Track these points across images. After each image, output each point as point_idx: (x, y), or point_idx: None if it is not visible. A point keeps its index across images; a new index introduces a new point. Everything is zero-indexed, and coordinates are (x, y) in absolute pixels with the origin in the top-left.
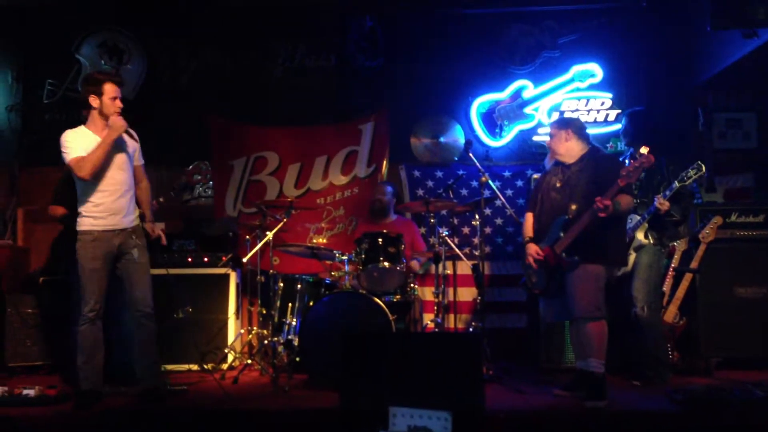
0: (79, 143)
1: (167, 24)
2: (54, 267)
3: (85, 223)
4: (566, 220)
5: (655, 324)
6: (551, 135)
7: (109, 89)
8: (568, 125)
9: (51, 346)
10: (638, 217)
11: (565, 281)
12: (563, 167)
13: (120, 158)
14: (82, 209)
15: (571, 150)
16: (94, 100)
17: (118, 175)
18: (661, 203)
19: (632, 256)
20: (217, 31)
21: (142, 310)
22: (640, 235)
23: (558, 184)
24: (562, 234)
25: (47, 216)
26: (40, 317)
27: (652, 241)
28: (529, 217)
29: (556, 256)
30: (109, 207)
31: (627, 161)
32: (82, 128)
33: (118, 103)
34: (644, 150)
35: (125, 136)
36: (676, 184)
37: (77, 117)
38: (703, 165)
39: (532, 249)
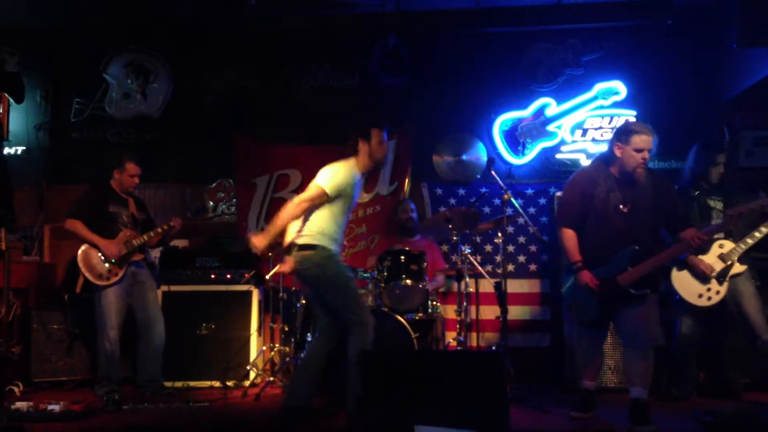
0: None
1: (193, 45)
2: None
3: None
4: (635, 251)
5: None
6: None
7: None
8: (617, 136)
9: (76, 362)
10: (732, 244)
11: (625, 311)
12: (620, 185)
13: None
14: None
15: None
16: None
17: None
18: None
19: (724, 286)
20: (242, 52)
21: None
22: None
23: (624, 209)
24: (629, 267)
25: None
26: (66, 333)
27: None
28: (572, 237)
29: (617, 288)
30: None
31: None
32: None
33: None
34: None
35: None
36: (764, 229)
37: (104, 135)
38: None
39: (587, 277)
